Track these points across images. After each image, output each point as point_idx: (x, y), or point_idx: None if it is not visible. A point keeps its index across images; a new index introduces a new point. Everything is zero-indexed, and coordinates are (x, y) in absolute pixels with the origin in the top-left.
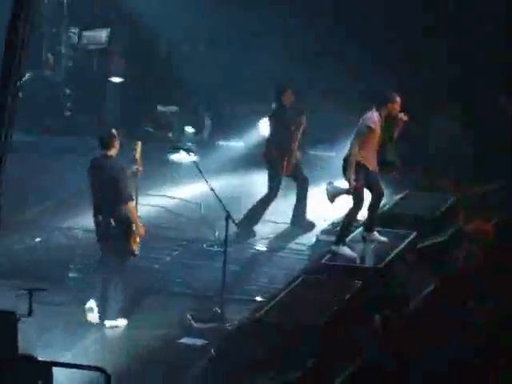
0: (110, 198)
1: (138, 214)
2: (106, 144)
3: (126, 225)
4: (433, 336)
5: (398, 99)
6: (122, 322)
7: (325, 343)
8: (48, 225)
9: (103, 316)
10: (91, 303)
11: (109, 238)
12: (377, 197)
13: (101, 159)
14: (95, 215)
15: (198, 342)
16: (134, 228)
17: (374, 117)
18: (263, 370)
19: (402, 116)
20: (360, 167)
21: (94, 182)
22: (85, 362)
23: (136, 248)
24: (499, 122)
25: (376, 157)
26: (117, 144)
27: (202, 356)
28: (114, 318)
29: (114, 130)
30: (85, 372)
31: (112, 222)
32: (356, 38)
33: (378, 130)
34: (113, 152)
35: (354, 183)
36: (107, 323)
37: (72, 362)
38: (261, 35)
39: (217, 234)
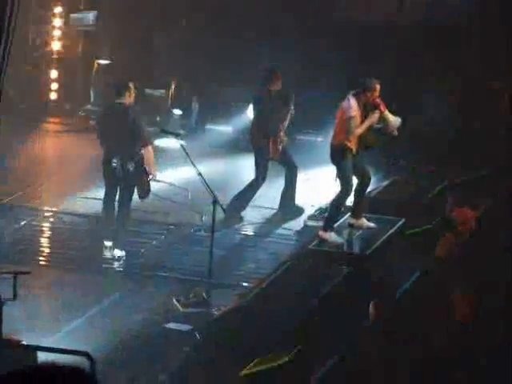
0: (129, 142)
1: None
2: (121, 92)
3: (142, 167)
4: (419, 323)
5: (377, 87)
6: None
7: (311, 330)
8: (32, 207)
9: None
10: (109, 243)
11: (125, 180)
12: (364, 182)
13: (116, 107)
14: (109, 161)
15: (184, 327)
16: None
17: (352, 105)
18: (248, 356)
19: (379, 101)
20: (346, 150)
21: (107, 129)
22: (69, 347)
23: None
24: (488, 107)
25: (359, 141)
26: (131, 93)
27: (187, 341)
28: (121, 249)
29: (130, 83)
30: (69, 356)
31: (130, 165)
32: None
33: (358, 117)
34: (127, 100)
35: (374, 117)
36: (116, 252)
37: (56, 346)
38: (249, 19)
39: (204, 218)
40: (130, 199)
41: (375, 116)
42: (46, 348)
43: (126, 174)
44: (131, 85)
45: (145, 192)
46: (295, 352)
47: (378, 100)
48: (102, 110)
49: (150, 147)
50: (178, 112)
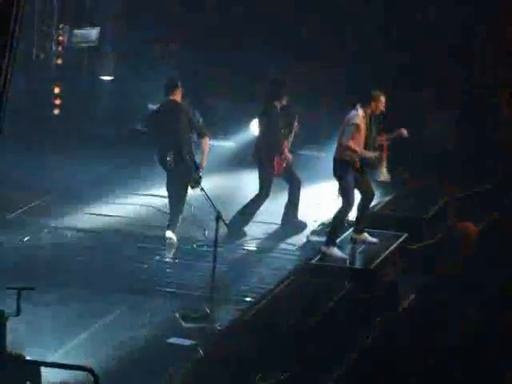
0: (185, 136)
1: (128, 213)
2: (171, 90)
3: (192, 159)
4: (423, 337)
5: (382, 98)
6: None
7: (314, 345)
8: (36, 224)
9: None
10: (169, 234)
11: (178, 172)
12: (367, 197)
13: (169, 104)
14: (163, 156)
15: (187, 342)
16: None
17: (358, 114)
18: (252, 370)
19: (402, 132)
20: (348, 165)
21: (162, 126)
22: (73, 362)
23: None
24: (490, 121)
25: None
26: (179, 90)
27: (190, 356)
28: (173, 231)
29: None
30: (73, 372)
31: (186, 158)
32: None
33: (363, 127)
34: (177, 97)
35: (374, 155)
36: (168, 234)
37: (60, 361)
38: (252, 34)
39: (207, 233)
40: (183, 188)
41: (373, 155)
42: (49, 363)
43: (180, 166)
44: (179, 83)
45: (196, 182)
46: (298, 367)
47: (384, 142)
48: (156, 109)
49: (206, 138)
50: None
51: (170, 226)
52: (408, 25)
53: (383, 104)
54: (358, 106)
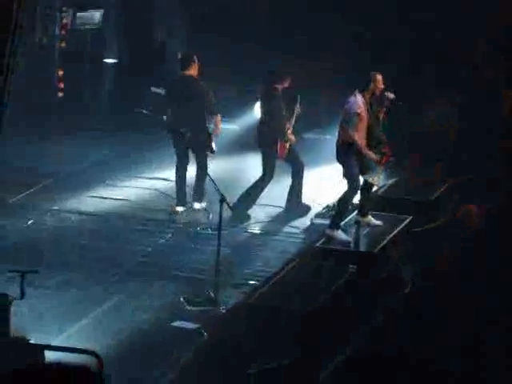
0: (197, 111)
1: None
2: (186, 64)
3: (207, 133)
4: (425, 322)
5: (379, 77)
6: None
7: (317, 328)
8: (39, 207)
9: (194, 199)
10: (179, 208)
11: (197, 146)
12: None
13: (183, 78)
14: (176, 129)
15: (191, 325)
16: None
17: (358, 101)
18: (255, 354)
19: (388, 94)
20: (350, 149)
21: (176, 100)
22: (77, 346)
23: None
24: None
25: (368, 139)
26: (195, 66)
27: (194, 340)
28: (200, 202)
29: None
30: (77, 355)
31: (201, 133)
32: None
33: (365, 114)
34: (192, 72)
35: (376, 157)
36: (196, 205)
37: (64, 345)
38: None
39: (211, 217)
40: (206, 160)
41: (375, 157)
42: (53, 347)
43: (197, 141)
44: (195, 58)
45: (211, 150)
46: (301, 351)
47: (387, 150)
48: (170, 82)
49: (219, 116)
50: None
51: (196, 197)
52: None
53: (381, 83)
54: (357, 92)
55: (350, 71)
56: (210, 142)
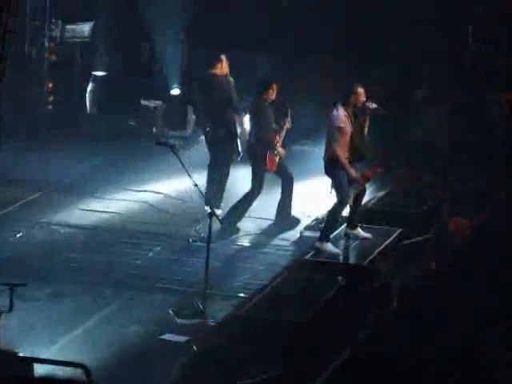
0: (221, 109)
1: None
2: (213, 63)
3: (231, 131)
4: (415, 332)
5: (360, 90)
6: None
7: (306, 340)
8: (29, 220)
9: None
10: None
11: (217, 143)
12: (359, 193)
13: (210, 77)
14: (203, 125)
15: (180, 338)
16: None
17: (340, 115)
18: (245, 366)
19: (369, 104)
20: (337, 164)
21: (201, 97)
22: (66, 358)
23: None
24: (486, 119)
25: (351, 152)
26: (221, 65)
27: (183, 352)
28: (219, 208)
29: (222, 55)
30: (66, 368)
31: (221, 131)
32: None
33: (348, 127)
34: (218, 71)
35: (356, 175)
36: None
37: (53, 358)
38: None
39: (200, 229)
40: (226, 163)
41: (355, 175)
42: (42, 360)
43: (217, 138)
44: (223, 57)
45: (238, 153)
46: (291, 363)
47: (368, 172)
48: (198, 80)
49: (243, 116)
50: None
51: (217, 203)
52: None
53: (363, 95)
54: (339, 105)
55: (338, 82)
56: (237, 145)
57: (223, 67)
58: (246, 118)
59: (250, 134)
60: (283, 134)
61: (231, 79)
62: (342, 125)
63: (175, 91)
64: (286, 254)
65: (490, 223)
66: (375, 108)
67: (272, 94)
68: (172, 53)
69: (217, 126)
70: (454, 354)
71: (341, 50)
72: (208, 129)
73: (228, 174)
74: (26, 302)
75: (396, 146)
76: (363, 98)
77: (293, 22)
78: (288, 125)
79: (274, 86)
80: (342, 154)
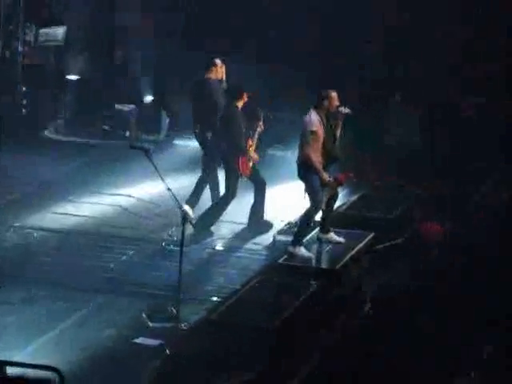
0: (209, 113)
1: (95, 212)
2: (207, 67)
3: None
4: (386, 337)
5: (333, 94)
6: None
7: (279, 344)
8: (2, 223)
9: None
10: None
11: (205, 145)
12: (332, 197)
13: (203, 80)
14: (194, 127)
15: (154, 342)
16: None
17: (313, 119)
18: (218, 371)
19: (342, 109)
20: (310, 168)
21: (193, 100)
22: (39, 362)
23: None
24: (458, 121)
25: (323, 156)
26: (216, 69)
27: (157, 356)
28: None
29: (217, 59)
30: (38, 372)
31: (208, 133)
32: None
33: (321, 131)
34: (213, 75)
35: (329, 179)
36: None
37: (26, 361)
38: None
39: (173, 233)
40: (209, 166)
41: (327, 179)
42: (14, 363)
43: (205, 141)
44: (218, 61)
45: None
46: (263, 367)
47: (341, 176)
48: (192, 84)
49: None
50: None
51: (189, 201)
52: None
53: (336, 100)
54: (312, 110)
55: (313, 86)
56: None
57: (218, 71)
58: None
59: (223, 139)
60: (256, 138)
61: (225, 84)
62: (314, 129)
63: (148, 98)
64: (259, 258)
65: (462, 227)
66: (348, 112)
67: (243, 100)
68: (145, 57)
69: (204, 129)
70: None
71: (316, 56)
72: (197, 130)
73: (210, 176)
74: (1, 305)
75: (370, 150)
76: (336, 103)
77: (270, 27)
78: (260, 128)
79: (243, 92)
80: (315, 158)
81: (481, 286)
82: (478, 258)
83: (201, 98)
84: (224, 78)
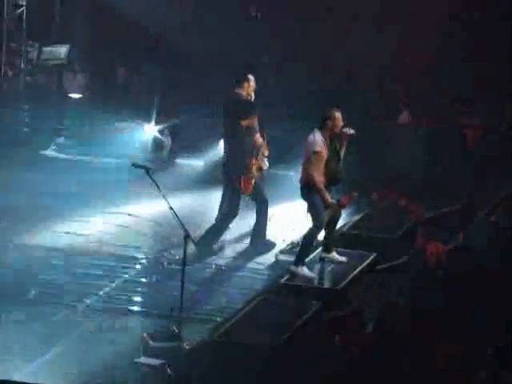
0: (230, 131)
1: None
2: (238, 82)
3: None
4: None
5: (337, 115)
6: None
7: (282, 364)
8: (2, 241)
9: None
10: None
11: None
12: (334, 217)
13: (232, 96)
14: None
15: (156, 361)
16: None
17: (317, 140)
18: None
19: (347, 130)
20: (313, 188)
21: (225, 116)
22: (39, 381)
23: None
24: (460, 143)
25: (326, 176)
26: (248, 85)
27: (158, 376)
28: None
29: (250, 75)
30: None
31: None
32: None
33: (325, 152)
34: (244, 91)
35: (331, 200)
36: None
37: (26, 381)
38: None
39: (175, 252)
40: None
41: (329, 201)
42: (15, 382)
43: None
44: (251, 77)
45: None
46: None
47: (344, 198)
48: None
49: (257, 135)
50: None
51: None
52: None
53: (340, 120)
54: (316, 130)
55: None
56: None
57: (249, 87)
58: (222, 141)
59: (225, 157)
60: (258, 158)
61: (253, 100)
62: (318, 149)
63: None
64: (262, 277)
65: (465, 248)
66: (352, 133)
67: (251, 119)
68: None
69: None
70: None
71: (316, 76)
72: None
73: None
74: (0, 324)
75: (372, 171)
76: (341, 123)
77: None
78: (264, 149)
79: (253, 113)
80: (318, 178)
81: (483, 307)
82: (480, 279)
83: (231, 114)
84: (251, 94)
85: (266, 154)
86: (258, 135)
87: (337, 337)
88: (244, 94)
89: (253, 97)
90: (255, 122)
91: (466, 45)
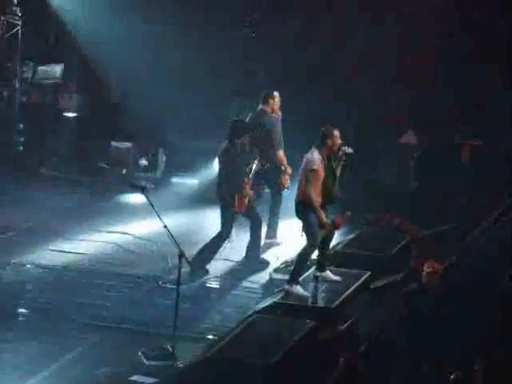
0: (265, 145)
1: (91, 250)
2: (264, 100)
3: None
4: (384, 376)
5: (335, 133)
6: None
7: (276, 382)
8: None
9: None
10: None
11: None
12: (328, 236)
13: (258, 113)
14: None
15: (149, 380)
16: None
17: (315, 158)
18: None
19: (346, 149)
20: (309, 207)
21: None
22: None
23: None
24: (454, 163)
25: (322, 195)
26: (273, 102)
27: None
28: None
29: (275, 92)
30: None
31: (266, 164)
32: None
33: (322, 171)
34: (269, 108)
35: (326, 221)
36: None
37: None
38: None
39: (169, 271)
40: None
41: (324, 220)
42: None
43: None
44: (276, 93)
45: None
46: None
47: (339, 219)
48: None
49: (280, 151)
50: (144, 162)
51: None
52: None
53: (338, 138)
54: (314, 148)
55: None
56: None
57: (274, 103)
58: (216, 161)
59: (219, 175)
60: (251, 176)
61: (278, 117)
62: (315, 167)
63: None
64: (255, 296)
65: (458, 265)
66: (350, 152)
67: (244, 138)
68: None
69: (263, 162)
70: None
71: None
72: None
73: (280, 202)
74: None
75: (364, 190)
76: (339, 141)
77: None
78: (257, 167)
79: (244, 128)
80: (315, 197)
81: (480, 323)
82: (476, 295)
83: (258, 131)
84: (277, 111)
85: (290, 172)
86: (281, 152)
87: (331, 355)
88: (269, 110)
89: (279, 113)
90: (247, 141)
91: (466, 46)
